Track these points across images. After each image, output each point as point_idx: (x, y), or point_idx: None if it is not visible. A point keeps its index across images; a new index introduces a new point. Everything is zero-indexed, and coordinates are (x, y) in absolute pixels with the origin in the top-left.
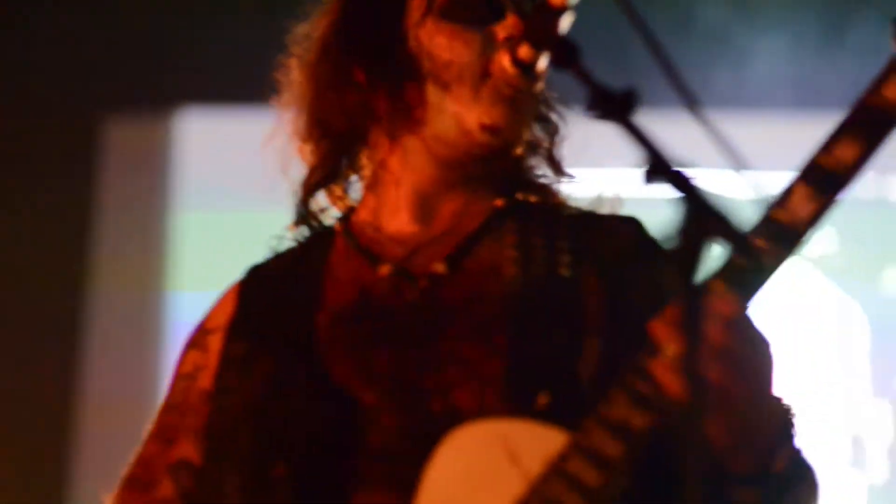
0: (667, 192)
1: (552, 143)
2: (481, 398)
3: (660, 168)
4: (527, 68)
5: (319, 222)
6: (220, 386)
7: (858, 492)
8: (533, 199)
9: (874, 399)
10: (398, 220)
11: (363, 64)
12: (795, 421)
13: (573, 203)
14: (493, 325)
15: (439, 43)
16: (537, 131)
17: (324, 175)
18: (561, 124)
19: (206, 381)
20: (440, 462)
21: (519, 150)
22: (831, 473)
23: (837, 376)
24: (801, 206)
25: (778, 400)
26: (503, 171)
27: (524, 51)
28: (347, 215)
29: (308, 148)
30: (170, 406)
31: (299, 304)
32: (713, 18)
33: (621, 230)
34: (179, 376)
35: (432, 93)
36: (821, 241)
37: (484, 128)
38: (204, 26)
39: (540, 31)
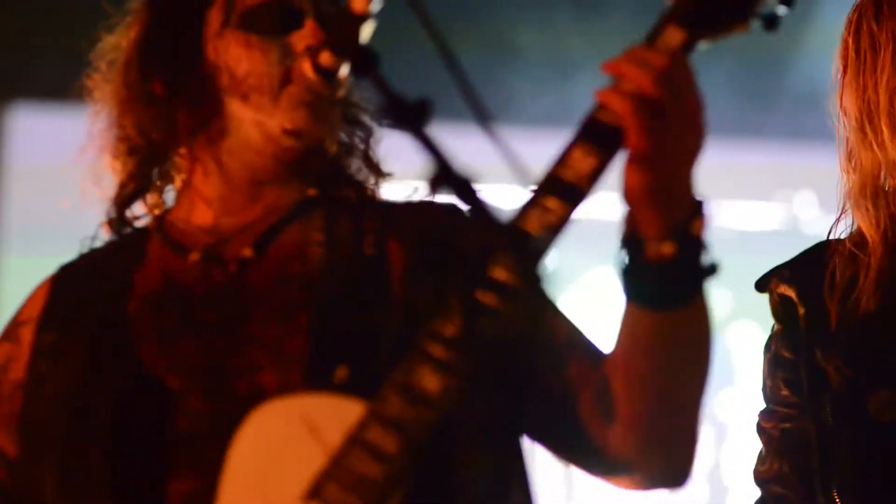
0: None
1: (368, 145)
2: (285, 377)
3: (445, 178)
4: (328, 75)
5: (134, 226)
6: (33, 376)
7: None
8: (347, 193)
9: None
10: (210, 216)
11: (162, 77)
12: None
13: (387, 197)
14: (296, 306)
15: (236, 54)
16: (352, 135)
17: (134, 190)
18: (375, 127)
19: (18, 372)
20: (242, 441)
21: (331, 150)
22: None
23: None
24: (581, 162)
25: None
26: (318, 170)
27: (325, 57)
28: (161, 214)
29: (117, 164)
30: None
31: (111, 295)
32: (536, 43)
33: (430, 210)
34: None
35: (231, 104)
36: None
37: (286, 132)
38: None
39: (341, 37)
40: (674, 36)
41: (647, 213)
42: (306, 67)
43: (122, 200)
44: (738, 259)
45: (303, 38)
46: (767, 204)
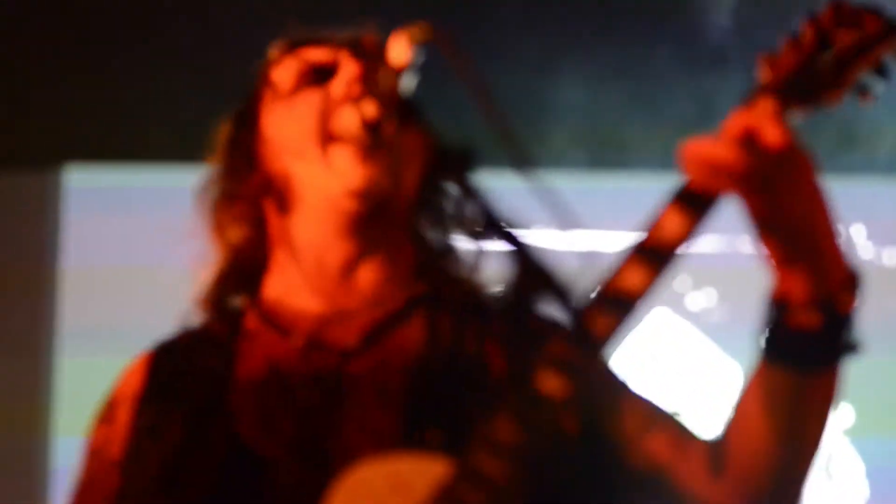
0: (500, 247)
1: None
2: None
3: (492, 226)
4: (374, 128)
5: (227, 313)
6: (131, 454)
7: None
8: (447, 288)
9: None
10: (306, 294)
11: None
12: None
13: (485, 290)
14: (394, 391)
15: (282, 114)
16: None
17: (227, 288)
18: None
19: (114, 452)
20: (334, 501)
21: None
22: None
23: (711, 431)
24: (674, 225)
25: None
26: (400, 226)
27: (369, 111)
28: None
29: (212, 269)
30: (82, 485)
31: (210, 375)
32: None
33: (530, 320)
34: (89, 454)
35: (292, 167)
36: (700, 296)
37: (349, 194)
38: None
39: (382, 91)
40: (767, 107)
41: (790, 280)
42: (352, 124)
43: (215, 299)
44: None
45: (340, 81)
46: None
